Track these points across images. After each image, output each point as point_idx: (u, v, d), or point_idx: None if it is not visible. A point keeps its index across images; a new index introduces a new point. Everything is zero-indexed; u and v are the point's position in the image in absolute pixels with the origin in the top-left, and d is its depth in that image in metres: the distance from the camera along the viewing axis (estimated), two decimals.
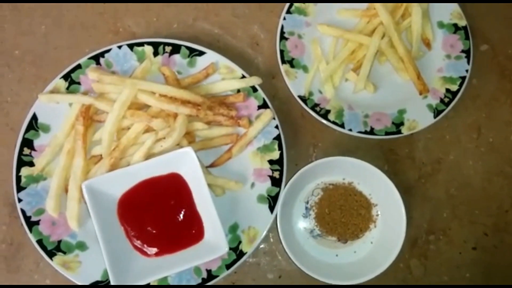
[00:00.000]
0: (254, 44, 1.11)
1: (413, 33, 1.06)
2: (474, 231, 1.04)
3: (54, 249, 0.95)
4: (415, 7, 1.05)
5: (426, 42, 1.08)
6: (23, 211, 0.96)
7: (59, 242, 0.95)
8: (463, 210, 1.04)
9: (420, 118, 1.03)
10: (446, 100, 1.04)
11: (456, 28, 1.08)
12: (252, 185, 1.00)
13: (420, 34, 1.06)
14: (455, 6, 1.09)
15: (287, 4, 1.07)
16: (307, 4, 1.08)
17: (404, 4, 1.05)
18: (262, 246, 1.00)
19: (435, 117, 1.03)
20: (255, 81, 1.01)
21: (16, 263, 0.99)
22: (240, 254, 0.96)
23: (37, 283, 0.99)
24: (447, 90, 1.05)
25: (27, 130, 0.99)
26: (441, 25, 1.09)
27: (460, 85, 1.05)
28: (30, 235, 0.95)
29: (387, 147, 1.06)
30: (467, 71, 1.05)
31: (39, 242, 0.95)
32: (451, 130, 1.07)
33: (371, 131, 1.02)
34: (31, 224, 0.96)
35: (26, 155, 0.98)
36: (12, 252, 1.00)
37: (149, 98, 0.96)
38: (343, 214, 1.00)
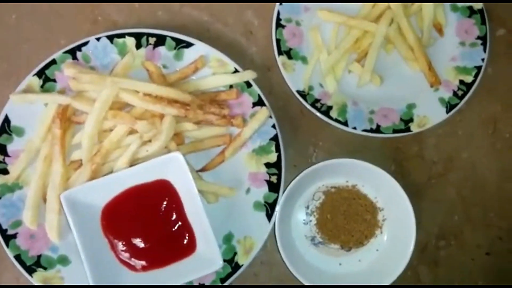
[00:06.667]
0: (247, 33, 1.00)
1: (424, 17, 0.96)
2: (487, 235, 0.97)
3: (34, 265, 0.88)
4: None
5: (438, 27, 0.98)
6: None
7: (39, 256, 0.89)
8: (476, 212, 0.97)
9: (431, 113, 0.95)
10: (460, 93, 0.95)
11: (471, 11, 0.98)
12: (248, 190, 0.92)
13: (431, 19, 0.96)
14: None
15: None
16: None
17: None
18: (259, 255, 0.93)
19: (447, 112, 0.94)
20: (249, 75, 0.92)
21: None
22: (236, 267, 0.89)
23: None
24: (461, 82, 0.96)
25: None
26: (454, 8, 0.99)
27: (475, 76, 0.96)
28: (7, 250, 0.88)
29: (394, 145, 0.98)
30: (483, 60, 0.96)
31: (17, 257, 0.88)
32: (464, 125, 0.99)
33: (377, 129, 0.94)
34: (8, 238, 0.88)
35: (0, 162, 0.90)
36: None
37: (133, 98, 0.87)
38: (347, 220, 0.93)
